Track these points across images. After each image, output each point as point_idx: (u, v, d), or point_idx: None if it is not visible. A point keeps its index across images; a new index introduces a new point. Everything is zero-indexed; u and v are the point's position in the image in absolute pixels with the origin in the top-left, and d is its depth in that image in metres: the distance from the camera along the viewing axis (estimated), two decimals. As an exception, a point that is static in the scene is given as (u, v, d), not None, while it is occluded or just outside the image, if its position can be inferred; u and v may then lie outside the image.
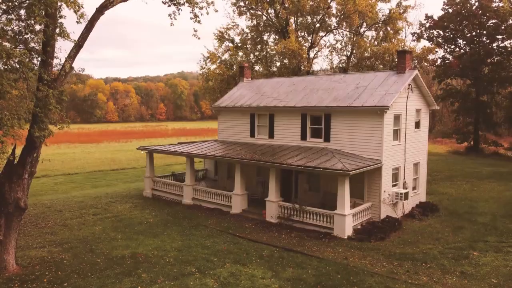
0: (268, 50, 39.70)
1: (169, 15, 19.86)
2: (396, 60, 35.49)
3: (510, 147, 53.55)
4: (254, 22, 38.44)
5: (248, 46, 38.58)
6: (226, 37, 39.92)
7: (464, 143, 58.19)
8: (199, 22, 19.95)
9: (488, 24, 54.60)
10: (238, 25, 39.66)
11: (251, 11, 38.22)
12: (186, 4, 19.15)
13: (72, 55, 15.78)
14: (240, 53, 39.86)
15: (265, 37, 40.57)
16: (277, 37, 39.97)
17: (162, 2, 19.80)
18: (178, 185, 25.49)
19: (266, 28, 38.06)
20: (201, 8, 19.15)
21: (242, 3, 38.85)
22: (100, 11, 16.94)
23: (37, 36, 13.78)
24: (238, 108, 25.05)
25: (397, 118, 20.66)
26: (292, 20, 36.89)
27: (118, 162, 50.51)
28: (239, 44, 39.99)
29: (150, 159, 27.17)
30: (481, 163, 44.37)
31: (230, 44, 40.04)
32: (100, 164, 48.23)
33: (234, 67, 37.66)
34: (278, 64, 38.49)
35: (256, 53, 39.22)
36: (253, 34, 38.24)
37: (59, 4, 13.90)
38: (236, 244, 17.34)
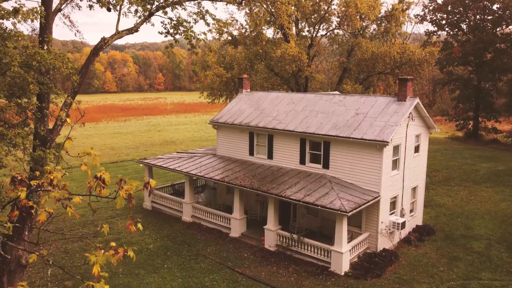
0: (267, 45, 38.89)
1: (166, 48, 19.44)
2: (396, 60, 35.36)
3: (508, 135, 53.54)
4: (254, 17, 37.45)
5: (247, 42, 37.73)
6: (225, 30, 39.07)
7: (464, 129, 58.12)
8: (196, 54, 19.55)
9: (493, 8, 53.31)
10: (237, 20, 38.76)
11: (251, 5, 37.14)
12: (183, 34, 18.69)
13: (67, 104, 15.54)
14: (239, 48, 39.12)
15: (264, 31, 39.67)
16: (278, 31, 39.06)
17: (159, 32, 19.32)
18: (177, 201, 25.68)
19: (265, 24, 37.11)
20: (198, 40, 18.71)
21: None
22: (95, 53, 16.58)
23: (32, 100, 13.52)
24: (237, 126, 24.87)
25: (396, 148, 20.57)
26: (292, 19, 35.90)
27: (118, 151, 50.65)
28: (237, 37, 39.17)
29: (149, 171, 27.24)
30: (479, 156, 44.47)
31: (229, 38, 39.24)
32: (99, 154, 48.23)
33: (234, 65, 37.01)
34: (277, 60, 37.76)
35: (256, 49, 38.44)
36: (251, 30, 37.32)
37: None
38: (235, 283, 17.70)
